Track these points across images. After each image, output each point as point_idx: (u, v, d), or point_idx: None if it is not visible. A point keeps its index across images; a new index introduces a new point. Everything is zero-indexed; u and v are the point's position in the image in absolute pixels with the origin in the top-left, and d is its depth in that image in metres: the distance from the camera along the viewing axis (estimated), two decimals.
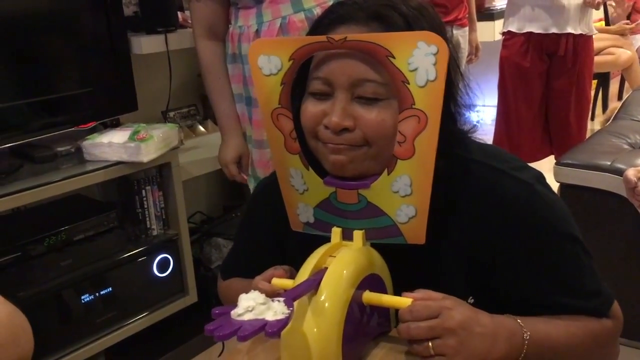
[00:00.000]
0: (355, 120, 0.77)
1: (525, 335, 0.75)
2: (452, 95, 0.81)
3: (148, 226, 1.88)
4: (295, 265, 0.79)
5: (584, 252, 0.83)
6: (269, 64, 0.79)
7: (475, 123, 0.88)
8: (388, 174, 0.78)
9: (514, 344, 0.75)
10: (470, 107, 0.84)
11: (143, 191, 1.85)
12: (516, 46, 2.64)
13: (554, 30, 2.55)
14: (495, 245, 0.82)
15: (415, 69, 0.72)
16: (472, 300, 0.83)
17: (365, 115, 0.77)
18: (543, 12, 2.55)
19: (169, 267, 1.88)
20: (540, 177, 0.86)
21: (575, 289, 0.81)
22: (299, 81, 0.83)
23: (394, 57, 0.72)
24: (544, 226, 0.81)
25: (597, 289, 0.83)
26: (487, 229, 0.82)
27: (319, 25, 0.82)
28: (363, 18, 0.78)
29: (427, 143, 0.74)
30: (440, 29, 0.79)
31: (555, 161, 2.10)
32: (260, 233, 1.00)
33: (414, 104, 0.73)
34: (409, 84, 0.73)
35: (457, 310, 0.72)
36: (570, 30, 2.54)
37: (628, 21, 4.23)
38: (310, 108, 0.80)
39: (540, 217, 0.81)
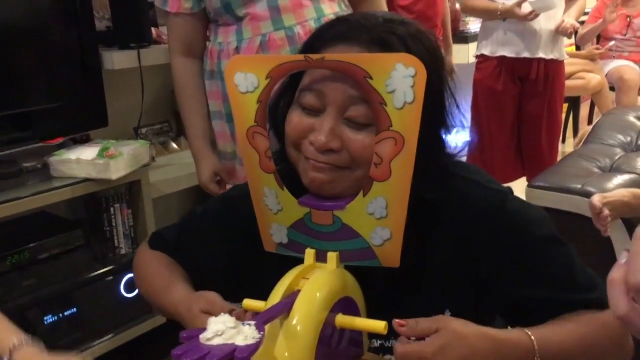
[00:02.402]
0: (342, 142, 0.76)
1: (536, 357, 0.74)
2: (444, 122, 0.82)
3: (116, 245, 1.84)
4: (268, 286, 0.77)
5: (571, 251, 0.83)
6: (245, 82, 0.78)
7: (463, 145, 0.88)
8: (364, 196, 0.77)
9: None
10: (457, 128, 0.85)
11: (111, 209, 1.81)
12: (489, 69, 2.68)
13: (525, 54, 2.59)
14: (477, 256, 0.82)
15: (393, 91, 0.71)
16: (449, 313, 0.83)
17: (353, 138, 0.76)
18: (515, 37, 2.59)
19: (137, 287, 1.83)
20: (511, 191, 0.87)
21: (571, 284, 0.81)
22: (285, 91, 0.82)
23: (371, 78, 0.72)
24: (522, 231, 0.82)
25: (593, 283, 0.82)
26: (467, 240, 0.82)
27: (318, 39, 0.81)
28: (365, 40, 0.77)
29: (404, 165, 0.73)
30: (437, 56, 0.80)
31: (527, 183, 2.12)
32: (214, 242, 0.96)
33: (391, 126, 0.73)
34: (386, 105, 0.72)
35: (441, 356, 0.68)
36: (541, 54, 2.58)
37: (598, 46, 4.33)
38: (298, 119, 0.79)
39: (518, 222, 0.82)
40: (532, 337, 0.74)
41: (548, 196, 1.94)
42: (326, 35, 0.81)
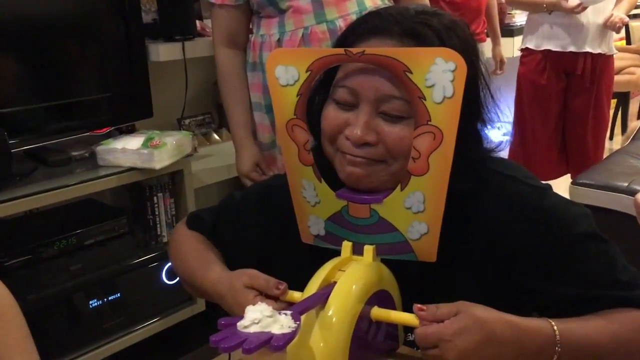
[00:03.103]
0: (377, 135, 0.77)
1: (557, 347, 0.73)
2: (479, 114, 0.81)
3: (158, 233, 1.88)
4: (301, 278, 0.78)
5: (612, 249, 0.82)
6: (286, 75, 0.79)
7: (500, 141, 0.87)
8: (401, 190, 0.77)
9: (540, 356, 0.73)
10: (494, 124, 0.84)
11: (155, 198, 1.85)
12: (533, 63, 2.63)
13: (571, 48, 2.53)
14: (513, 253, 0.81)
15: (433, 85, 0.71)
16: None
17: (388, 130, 0.76)
18: (561, 30, 2.53)
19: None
20: (550, 188, 0.85)
21: (610, 282, 0.79)
22: (321, 88, 0.83)
23: (411, 73, 0.72)
24: (559, 228, 0.80)
25: (636, 281, 0.80)
26: (503, 237, 0.81)
27: (352, 34, 0.82)
28: (398, 33, 0.77)
29: (442, 160, 0.73)
30: (471, 47, 0.80)
31: (571, 180, 2.08)
32: (250, 229, 0.97)
33: (430, 120, 0.73)
34: (425, 100, 0.72)
35: (460, 339, 0.69)
36: (588, 49, 2.52)
37: None
38: (333, 114, 0.80)
39: (555, 219, 0.81)
40: (555, 327, 0.74)
41: (592, 194, 1.90)
42: (359, 30, 0.81)
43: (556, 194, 0.85)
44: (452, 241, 0.81)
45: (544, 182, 0.87)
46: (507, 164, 0.88)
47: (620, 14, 2.49)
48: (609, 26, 2.49)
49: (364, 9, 1.53)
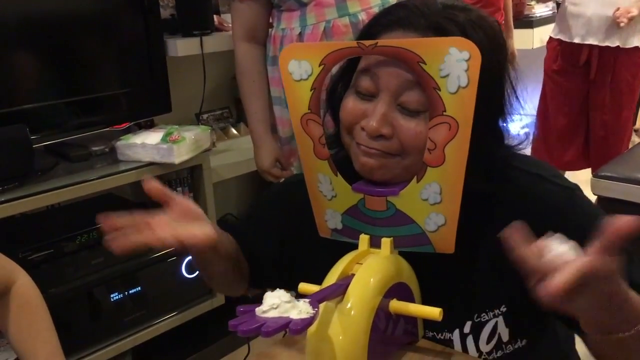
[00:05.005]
0: (393, 128, 0.76)
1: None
2: (502, 114, 0.80)
3: None
4: (319, 272, 0.78)
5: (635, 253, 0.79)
6: (300, 69, 0.78)
7: (523, 137, 0.86)
8: (417, 182, 0.76)
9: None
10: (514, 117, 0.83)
11: (174, 192, 1.86)
12: (551, 52, 2.65)
13: (576, 40, 2.51)
14: None
15: (447, 75, 0.71)
16: (505, 308, 0.82)
17: (405, 125, 0.76)
18: (570, 20, 2.51)
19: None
20: (578, 187, 0.84)
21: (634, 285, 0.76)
22: (343, 76, 0.83)
23: (425, 63, 0.71)
24: (591, 229, 0.78)
25: None
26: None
27: (376, 24, 0.81)
28: (423, 26, 0.76)
29: (458, 150, 0.73)
30: (498, 44, 0.78)
31: (592, 173, 2.05)
32: (270, 225, 0.99)
33: (445, 111, 0.72)
34: (439, 90, 0.72)
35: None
36: (592, 41, 2.48)
37: None
38: (352, 104, 0.80)
39: (585, 221, 0.78)
40: None
41: (616, 187, 1.87)
42: (383, 21, 0.80)
43: (585, 196, 0.83)
44: (474, 238, 0.80)
45: (564, 174, 0.86)
46: (532, 161, 0.86)
47: (629, 7, 2.40)
48: (615, 19, 2.43)
49: (387, 2, 1.52)
